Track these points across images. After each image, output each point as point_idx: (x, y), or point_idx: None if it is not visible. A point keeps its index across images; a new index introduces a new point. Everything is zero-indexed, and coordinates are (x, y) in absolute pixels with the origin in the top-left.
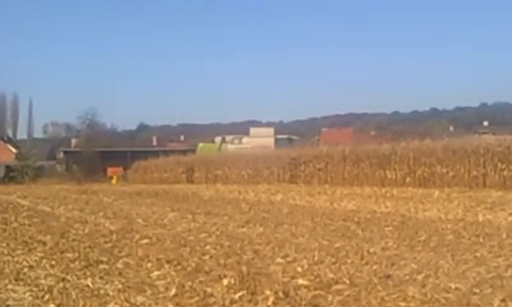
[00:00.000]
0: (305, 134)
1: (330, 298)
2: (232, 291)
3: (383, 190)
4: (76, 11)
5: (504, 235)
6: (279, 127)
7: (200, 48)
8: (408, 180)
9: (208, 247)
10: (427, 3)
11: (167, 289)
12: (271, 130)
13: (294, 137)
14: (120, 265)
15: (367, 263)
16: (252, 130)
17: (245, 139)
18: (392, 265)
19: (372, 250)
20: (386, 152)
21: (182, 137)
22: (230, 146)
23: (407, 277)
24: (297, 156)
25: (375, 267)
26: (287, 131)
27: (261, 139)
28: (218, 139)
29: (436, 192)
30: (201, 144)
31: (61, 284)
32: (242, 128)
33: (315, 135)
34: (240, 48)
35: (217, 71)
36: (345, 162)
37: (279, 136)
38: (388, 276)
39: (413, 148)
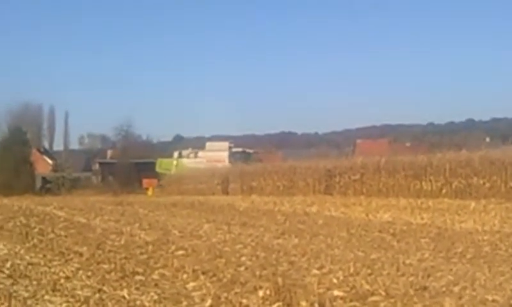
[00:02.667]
0: (340, 145)
1: None
2: (267, 302)
3: (419, 202)
4: (110, 24)
5: None
6: (314, 139)
7: (229, 60)
8: (444, 191)
9: (243, 258)
10: (461, 13)
11: (203, 300)
12: (226, 144)
13: (249, 151)
14: (155, 276)
15: (403, 275)
16: (208, 144)
17: (200, 153)
18: (428, 276)
19: (408, 261)
20: (422, 163)
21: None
22: (185, 161)
23: (443, 289)
24: (332, 167)
25: (411, 278)
26: (324, 142)
27: (215, 153)
28: (176, 154)
29: (473, 204)
30: (160, 160)
31: (97, 295)
32: (275, 140)
33: (350, 147)
34: (273, 62)
35: (252, 83)
36: (381, 173)
37: (234, 150)
38: (425, 288)
39: (449, 159)
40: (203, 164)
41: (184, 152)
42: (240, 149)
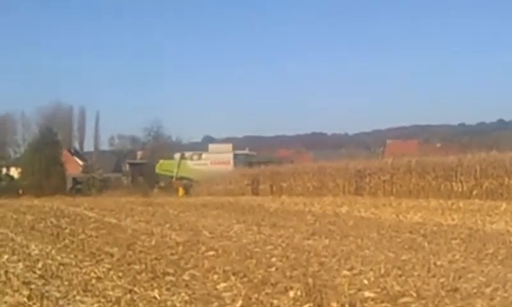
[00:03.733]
0: (370, 146)
1: None
2: (298, 303)
3: (449, 203)
4: (140, 26)
5: None
6: (344, 139)
7: (264, 59)
8: (474, 192)
9: (274, 259)
10: (489, 13)
11: (233, 301)
12: (230, 146)
13: (253, 153)
14: (186, 277)
15: (433, 276)
16: (211, 146)
17: (204, 155)
18: (460, 278)
19: (439, 263)
20: (453, 164)
21: (247, 149)
22: (189, 162)
23: (475, 291)
24: (362, 168)
25: (442, 279)
26: (354, 143)
27: (220, 155)
28: (177, 156)
29: (504, 205)
30: (161, 161)
31: (128, 296)
32: (305, 141)
33: (380, 147)
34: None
35: (284, 83)
36: (411, 174)
37: (237, 152)
38: (456, 289)
39: (479, 160)
40: (208, 166)
41: (187, 154)
42: (245, 152)
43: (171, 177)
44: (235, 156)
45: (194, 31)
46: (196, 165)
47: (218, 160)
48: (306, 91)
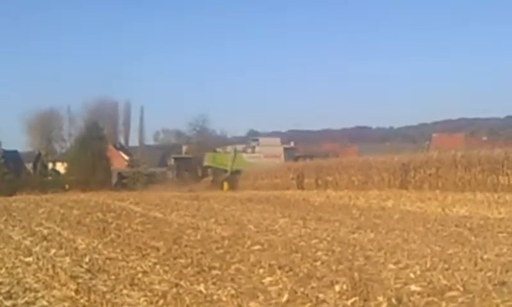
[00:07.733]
0: (416, 139)
1: (444, 305)
2: (344, 297)
3: (496, 196)
4: (184, 20)
5: None
6: (389, 133)
7: (310, 56)
8: None
9: (319, 253)
10: None
11: (279, 295)
12: (278, 140)
13: (296, 147)
14: (232, 271)
15: (480, 270)
16: (261, 140)
17: (258, 148)
18: (507, 271)
19: (485, 256)
20: (499, 157)
21: (291, 143)
22: (244, 155)
23: None
24: (407, 161)
25: (489, 273)
26: (399, 137)
27: (271, 148)
28: (230, 149)
29: None
30: (211, 154)
31: (174, 290)
32: (350, 134)
33: (425, 141)
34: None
35: (328, 77)
36: (457, 167)
37: (285, 146)
38: (503, 283)
39: None
40: (261, 159)
41: (239, 147)
42: (292, 146)
43: (225, 171)
44: (285, 149)
45: (237, 27)
46: (250, 158)
47: (271, 153)
48: (352, 85)
